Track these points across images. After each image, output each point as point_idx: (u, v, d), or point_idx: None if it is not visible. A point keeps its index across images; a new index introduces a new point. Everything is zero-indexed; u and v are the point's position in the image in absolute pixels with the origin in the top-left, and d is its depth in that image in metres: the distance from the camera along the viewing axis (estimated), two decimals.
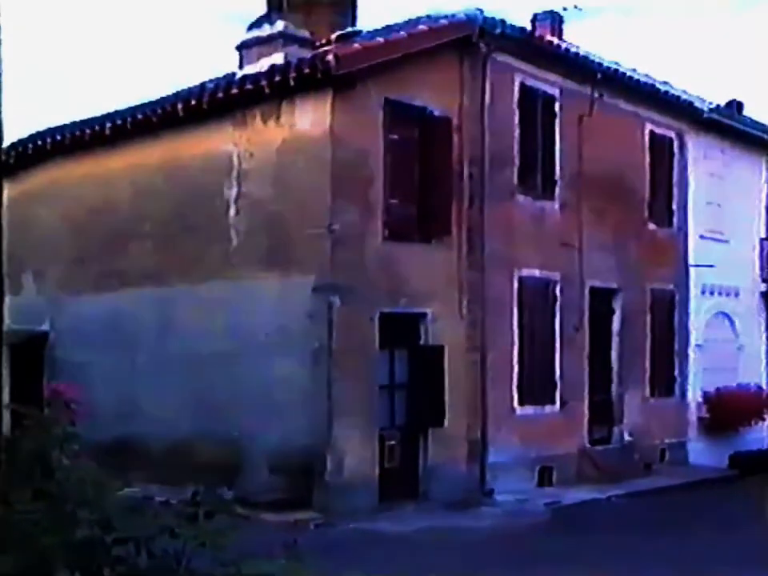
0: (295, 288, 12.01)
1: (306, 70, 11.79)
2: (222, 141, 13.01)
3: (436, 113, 13.18)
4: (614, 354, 16.52)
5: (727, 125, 19.04)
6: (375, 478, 12.06)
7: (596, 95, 15.50)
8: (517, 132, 14.50)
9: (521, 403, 14.31)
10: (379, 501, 11.97)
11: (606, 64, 15.56)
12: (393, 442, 12.44)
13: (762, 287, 20.55)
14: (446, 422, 13.03)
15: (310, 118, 12.13)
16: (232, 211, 12.93)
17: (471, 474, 13.36)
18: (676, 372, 17.97)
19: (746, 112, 20.61)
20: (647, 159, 17.27)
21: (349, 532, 10.72)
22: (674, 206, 18.12)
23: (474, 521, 11.85)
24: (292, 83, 11.94)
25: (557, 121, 15.18)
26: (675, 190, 18.06)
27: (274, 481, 11.70)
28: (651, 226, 17.51)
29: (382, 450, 12.25)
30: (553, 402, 14.98)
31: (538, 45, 14.67)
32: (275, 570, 3.14)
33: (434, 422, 12.90)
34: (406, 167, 12.83)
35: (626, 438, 16.34)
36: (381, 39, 12.70)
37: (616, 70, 15.79)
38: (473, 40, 13.52)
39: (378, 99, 12.37)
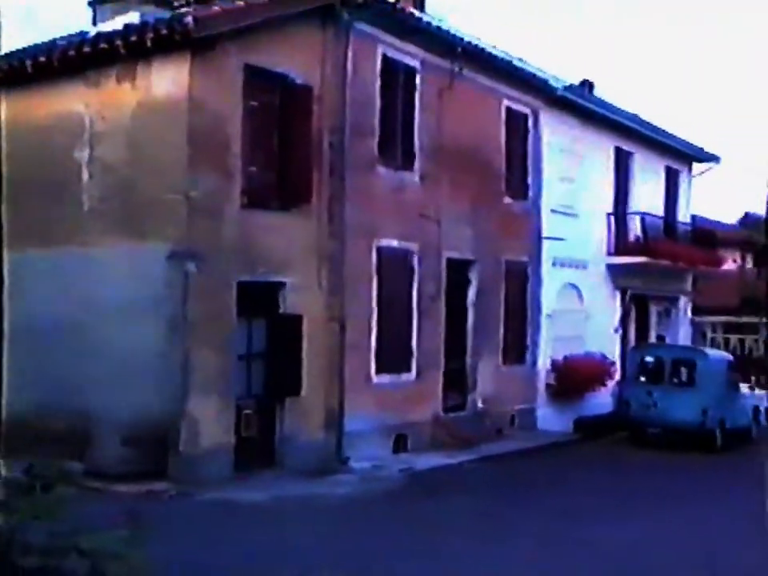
0: (150, 255, 11.75)
1: (164, 32, 11.46)
2: (74, 101, 12.52)
3: (297, 80, 13.10)
4: (469, 324, 16.95)
5: (579, 104, 19.73)
6: (231, 447, 12.03)
7: (456, 69, 15.78)
8: (378, 103, 14.59)
9: (378, 372, 14.53)
10: (236, 470, 11.95)
11: (466, 39, 15.83)
12: (249, 411, 12.43)
13: (609, 260, 21.46)
14: (303, 391, 13.12)
15: (167, 81, 11.82)
16: (84, 175, 12.49)
17: (328, 442, 13.51)
18: (527, 341, 18.61)
19: (596, 92, 21.51)
20: (503, 134, 17.72)
21: (204, 502, 10.67)
22: (529, 181, 18.68)
23: (329, 488, 12.01)
24: (149, 44, 11.58)
25: (417, 93, 15.37)
26: (530, 165, 18.62)
27: (128, 452, 11.48)
28: (507, 200, 18.00)
29: (238, 420, 12.22)
30: (409, 371, 15.28)
31: (400, 16, 14.76)
32: (114, 543, 3.10)
33: (290, 391, 12.96)
34: (266, 134, 12.72)
35: (479, 405, 16.85)
36: (241, 3, 12.48)
37: (475, 45, 16.09)
38: (335, 8, 13.48)
39: (238, 64, 12.17)
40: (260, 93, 12.59)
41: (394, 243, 14.97)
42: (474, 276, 16.99)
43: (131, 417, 11.59)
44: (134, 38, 11.71)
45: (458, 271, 16.59)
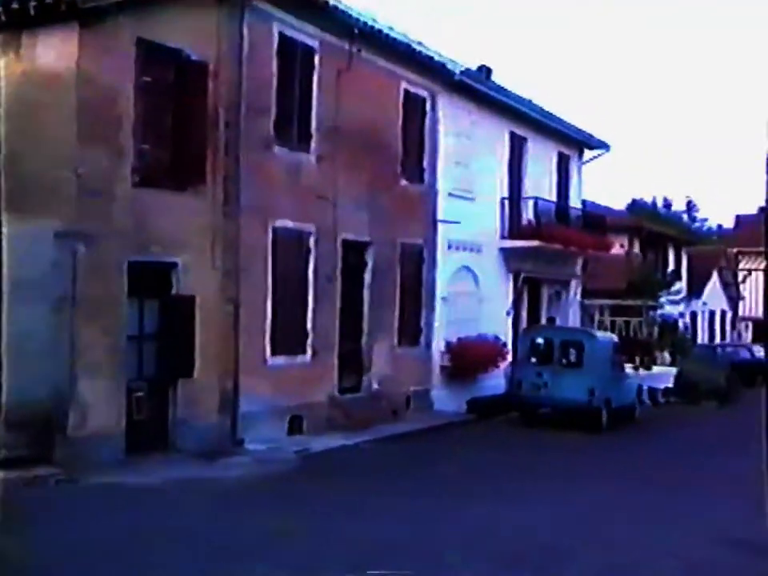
0: (37, 234, 11.36)
1: (48, 0, 11.04)
2: None
3: (192, 57, 12.83)
4: (365, 306, 17.00)
5: (476, 88, 19.97)
6: (122, 430, 11.79)
7: (354, 50, 15.75)
8: (275, 82, 14.44)
9: (273, 353, 14.46)
10: (126, 454, 11.73)
11: (363, 19, 15.81)
12: (141, 394, 12.20)
13: (502, 244, 21.84)
14: (196, 373, 12.94)
15: (53, 52, 11.40)
16: None
17: (222, 424, 13.40)
18: (422, 323, 18.77)
19: (493, 78, 21.81)
20: (401, 117, 17.78)
21: (92, 487, 10.45)
22: (425, 164, 18.81)
23: (223, 470, 11.93)
24: (32, 12, 11.15)
25: (315, 73, 15.28)
26: (426, 148, 18.73)
27: (12, 437, 11.11)
28: (403, 182, 18.07)
29: (129, 402, 11.98)
30: (304, 352, 15.26)
31: None
32: None
33: (183, 373, 12.78)
34: (159, 111, 12.44)
35: (375, 386, 16.96)
36: None
37: (373, 27, 16.09)
38: None
39: (130, 38, 11.85)
40: (153, 68, 12.29)
41: (290, 224, 14.89)
42: (369, 258, 17.03)
43: (16, 400, 11.23)
44: (15, 5, 11.24)
45: (354, 253, 16.62)
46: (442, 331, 19.31)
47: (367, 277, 17.09)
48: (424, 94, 18.59)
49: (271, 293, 14.45)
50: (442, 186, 19.31)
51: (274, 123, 14.43)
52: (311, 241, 15.39)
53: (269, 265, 14.39)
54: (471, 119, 20.13)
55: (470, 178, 20.17)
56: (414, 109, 18.27)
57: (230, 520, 9.17)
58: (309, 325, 15.36)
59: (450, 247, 19.59)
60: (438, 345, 19.22)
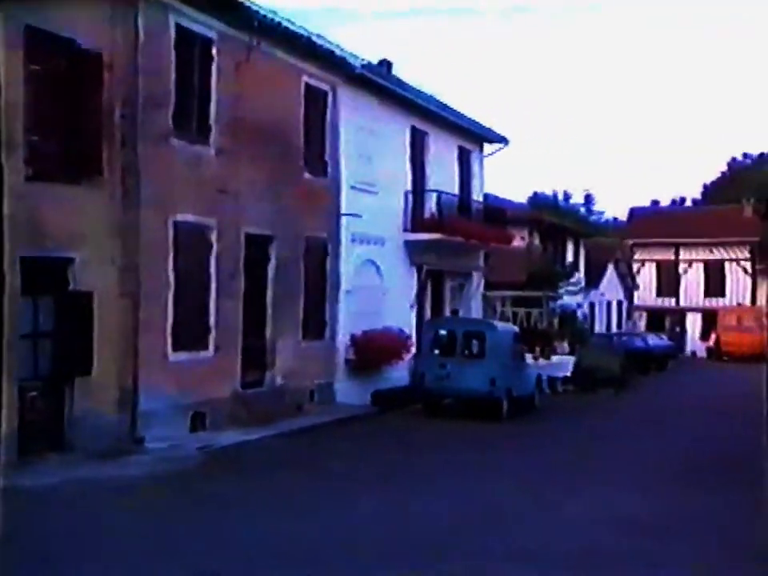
0: None
1: None
2: None
3: (85, 47, 12.42)
4: (268, 300, 16.81)
5: (377, 82, 19.96)
6: (14, 431, 11.33)
7: (253, 43, 15.53)
8: (173, 73, 14.12)
9: (175, 349, 14.17)
10: (20, 456, 11.29)
11: (263, 12, 15.61)
12: (35, 393, 11.77)
13: (406, 237, 21.92)
14: (94, 371, 12.57)
15: None
16: None
17: (121, 422, 13.06)
18: (327, 316, 18.69)
19: (394, 72, 21.86)
20: (303, 110, 17.63)
21: None
22: (328, 157, 18.70)
23: (122, 469, 11.62)
24: None
25: (214, 65, 15.00)
26: (329, 142, 18.63)
27: None
28: (306, 176, 17.94)
29: (22, 402, 11.54)
30: (207, 348, 15.01)
31: None
32: None
33: (80, 371, 12.38)
34: (51, 102, 11.99)
35: (278, 380, 16.81)
36: None
37: (272, 19, 15.90)
38: None
39: (17, 25, 11.36)
40: (44, 57, 11.84)
41: (191, 218, 14.60)
42: (273, 252, 16.85)
43: None
44: None
45: (258, 247, 16.42)
46: (347, 324, 19.27)
47: (271, 271, 16.90)
48: (325, 87, 18.48)
49: (173, 288, 14.15)
50: (345, 179, 19.25)
51: (172, 115, 14.11)
52: (213, 235, 15.13)
53: (170, 259, 14.08)
54: (373, 113, 20.12)
55: (373, 172, 20.16)
56: (316, 102, 18.16)
57: (129, 518, 8.94)
58: (211, 320, 15.11)
59: (353, 240, 19.55)
60: (342, 338, 19.16)
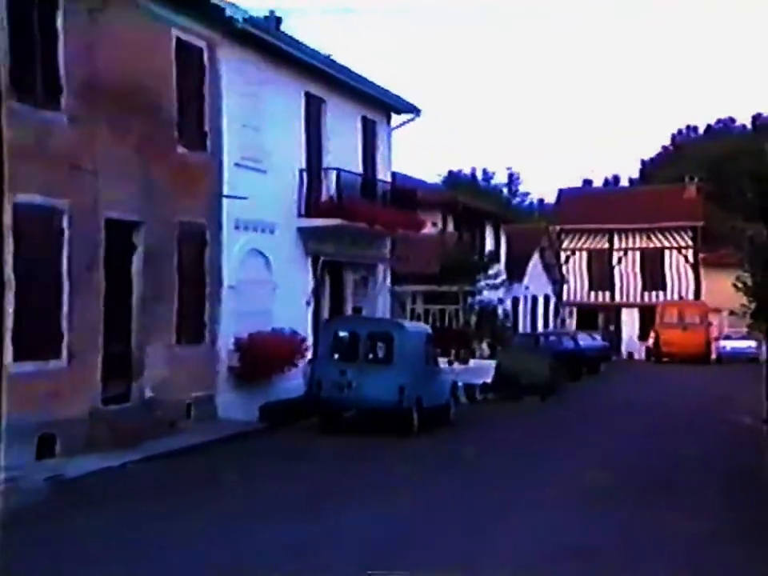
0: None
1: None
2: None
3: None
4: (135, 298, 16.43)
5: (264, 39, 19.69)
6: None
7: None
8: (5, 23, 13.48)
9: (17, 358, 13.51)
10: None
11: None
12: None
13: (300, 223, 21.80)
14: None
15: None
16: None
17: None
18: (206, 317, 18.44)
19: (284, 29, 21.59)
20: (175, 71, 17.25)
21: None
22: (207, 128, 18.41)
23: None
24: None
25: (59, 13, 14.41)
26: (207, 109, 18.35)
27: None
28: (181, 150, 17.60)
29: None
30: (58, 356, 14.49)
31: None
32: None
33: None
34: None
35: (148, 393, 16.41)
36: None
37: None
38: None
39: None
40: None
41: (38, 199, 14.03)
42: (140, 240, 16.47)
43: None
44: None
45: (121, 234, 16.00)
46: (230, 326, 19.04)
47: (137, 263, 16.52)
48: (200, 44, 18.17)
49: (13, 284, 13.50)
50: (228, 154, 18.99)
51: (9, 73, 13.45)
52: (65, 220, 14.62)
53: (9, 249, 13.42)
54: (260, 76, 19.90)
55: (261, 146, 19.98)
56: (190, 62, 17.81)
57: None
58: (64, 323, 14.60)
59: (237, 227, 19.31)
60: (225, 342, 18.95)
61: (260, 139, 19.90)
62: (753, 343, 42.24)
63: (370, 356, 19.37)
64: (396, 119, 26.88)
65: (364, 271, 25.26)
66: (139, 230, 16.45)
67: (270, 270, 20.68)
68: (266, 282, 20.42)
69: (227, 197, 18.83)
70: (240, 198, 18.81)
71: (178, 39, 17.39)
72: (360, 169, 24.53)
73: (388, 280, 26.65)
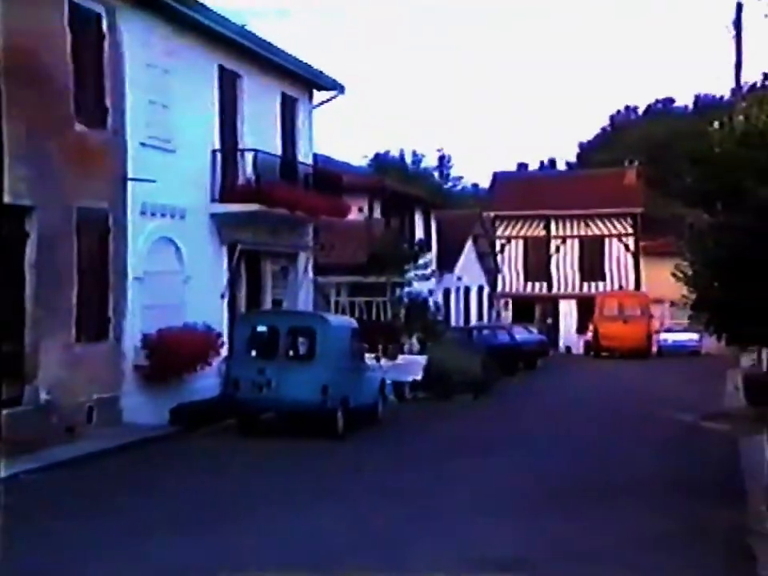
0: None
1: None
2: None
3: None
4: (27, 292, 15.98)
5: (170, 6, 19.26)
6: None
7: None
8: None
9: None
10: None
11: None
12: None
13: (214, 208, 21.54)
14: None
15: None
16: None
17: None
18: (110, 311, 18.11)
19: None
20: (68, 39, 16.75)
21: None
22: (108, 103, 18.05)
23: None
24: None
25: None
26: (108, 83, 17.97)
27: None
28: (79, 127, 17.22)
29: None
30: None
31: None
32: None
33: None
34: None
35: (43, 396, 15.97)
36: None
37: None
38: None
39: None
40: None
41: None
42: (33, 227, 16.00)
43: None
44: None
45: (11, 221, 15.44)
46: (137, 321, 18.82)
47: (30, 252, 16.07)
48: (98, 9, 17.76)
49: None
50: (133, 132, 18.65)
51: None
52: None
53: None
54: (168, 47, 19.52)
55: (170, 123, 19.66)
56: (86, 29, 17.39)
57: None
58: None
59: (144, 213, 18.99)
60: (131, 339, 18.66)
61: (169, 116, 19.56)
62: (695, 336, 43.02)
63: (291, 352, 19.28)
64: (318, 96, 26.75)
65: (284, 261, 25.04)
66: (32, 216, 16.00)
67: (181, 260, 20.39)
68: (177, 273, 20.15)
69: (132, 179, 18.45)
70: (147, 180, 18.41)
71: (72, 3, 16.88)
72: (279, 150, 24.34)
73: (310, 270, 26.46)
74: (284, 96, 24.90)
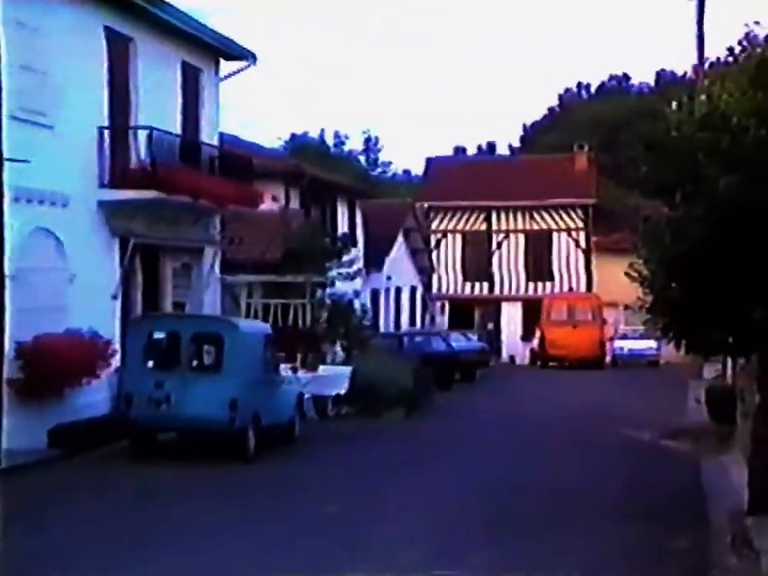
0: None
1: None
2: None
3: None
4: None
5: None
6: None
7: None
8: None
9: None
10: None
11: None
12: None
13: (102, 195, 21.26)
14: None
15: None
16: None
17: None
18: None
19: None
20: None
21: None
22: None
23: None
24: None
25: None
26: None
27: None
28: None
29: None
30: None
31: None
32: None
33: None
34: None
35: None
36: None
37: None
38: None
39: None
40: None
41: None
42: None
43: None
44: None
45: None
46: (9, 327, 17.94)
47: None
48: None
49: None
50: (3, 104, 17.84)
51: None
52: None
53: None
54: (44, 4, 19.21)
55: (47, 94, 19.31)
56: None
57: None
58: None
59: (17, 200, 18.37)
60: (3, 348, 17.90)
61: (46, 86, 19.20)
62: (653, 344, 43.21)
63: (195, 363, 19.39)
64: (226, 67, 26.72)
65: (187, 257, 24.91)
66: None
67: (64, 255, 20.09)
68: (59, 271, 19.84)
69: (6, 160, 17.78)
70: (19, 161, 17.77)
71: None
72: (179, 128, 24.16)
73: (217, 268, 26.38)
74: (185, 65, 24.67)
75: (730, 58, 14.86)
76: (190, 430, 18.81)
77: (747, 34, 14.40)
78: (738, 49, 14.47)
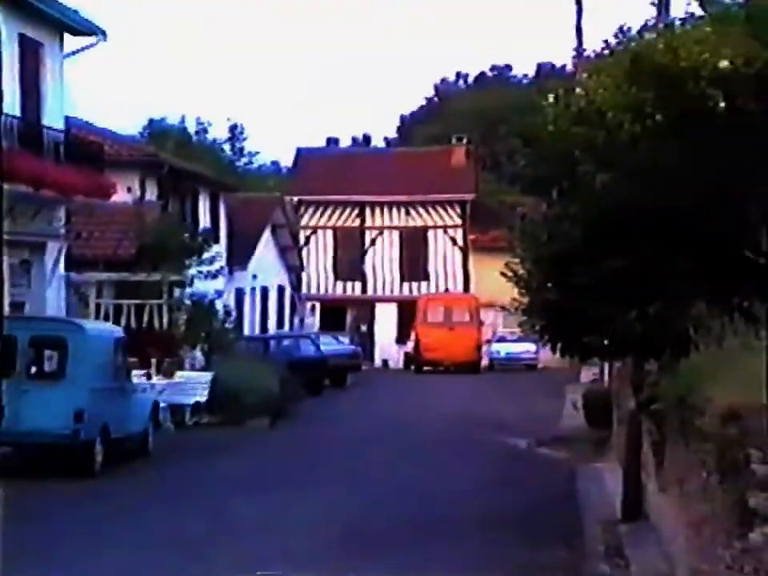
0: None
1: None
2: None
3: None
4: None
5: None
6: None
7: None
8: None
9: None
10: None
11: None
12: None
13: None
14: None
15: None
16: None
17: None
18: None
19: None
20: None
21: None
22: None
23: None
24: None
25: None
26: None
27: None
28: None
29: None
30: None
31: None
32: None
33: None
34: None
35: None
36: None
37: None
38: None
39: None
40: None
41: None
42: None
43: None
44: None
45: None
46: None
47: None
48: None
49: None
50: None
51: None
52: None
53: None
54: None
55: None
56: None
57: None
58: None
59: None
60: None
61: None
62: (531, 347, 43.38)
63: (34, 370, 19.20)
64: (72, 43, 26.08)
65: (27, 252, 24.35)
66: None
67: None
68: None
69: None
70: None
71: None
72: (18, 109, 23.24)
73: (62, 265, 25.83)
74: (23, 38, 23.75)
75: (606, 51, 14.95)
76: (28, 443, 18.34)
77: (621, 27, 14.46)
78: (614, 42, 14.52)
